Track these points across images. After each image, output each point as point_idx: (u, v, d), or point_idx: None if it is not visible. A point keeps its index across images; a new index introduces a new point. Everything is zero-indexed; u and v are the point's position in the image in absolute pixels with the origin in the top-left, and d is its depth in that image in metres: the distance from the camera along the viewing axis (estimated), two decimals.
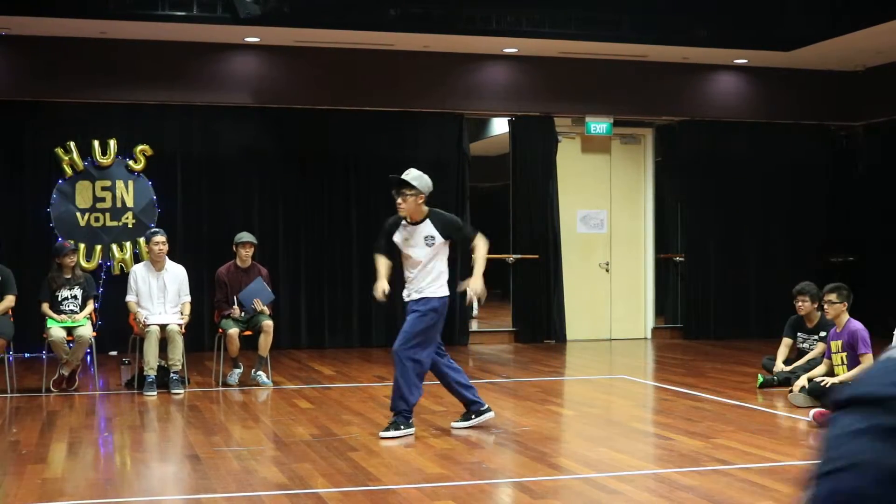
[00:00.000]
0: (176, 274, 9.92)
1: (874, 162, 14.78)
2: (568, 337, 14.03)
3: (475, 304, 7.67)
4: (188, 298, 9.96)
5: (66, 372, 9.45)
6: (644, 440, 7.45)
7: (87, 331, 9.44)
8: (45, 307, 9.56)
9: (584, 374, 11.31)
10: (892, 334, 8.32)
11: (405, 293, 7.41)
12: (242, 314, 9.97)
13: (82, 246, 12.16)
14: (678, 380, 10.31)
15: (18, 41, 12.31)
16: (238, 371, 9.99)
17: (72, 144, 12.37)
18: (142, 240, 12.44)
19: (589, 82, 14.13)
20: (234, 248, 10.21)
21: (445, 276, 7.39)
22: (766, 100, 14.79)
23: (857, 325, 8.56)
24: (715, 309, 14.61)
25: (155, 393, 9.29)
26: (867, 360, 8.40)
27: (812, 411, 7.76)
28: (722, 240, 14.67)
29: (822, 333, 9.52)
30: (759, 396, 9.22)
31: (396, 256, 7.56)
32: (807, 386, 8.56)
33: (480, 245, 7.31)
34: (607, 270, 14.69)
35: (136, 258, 12.25)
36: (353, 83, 13.32)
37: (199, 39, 12.62)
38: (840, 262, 14.89)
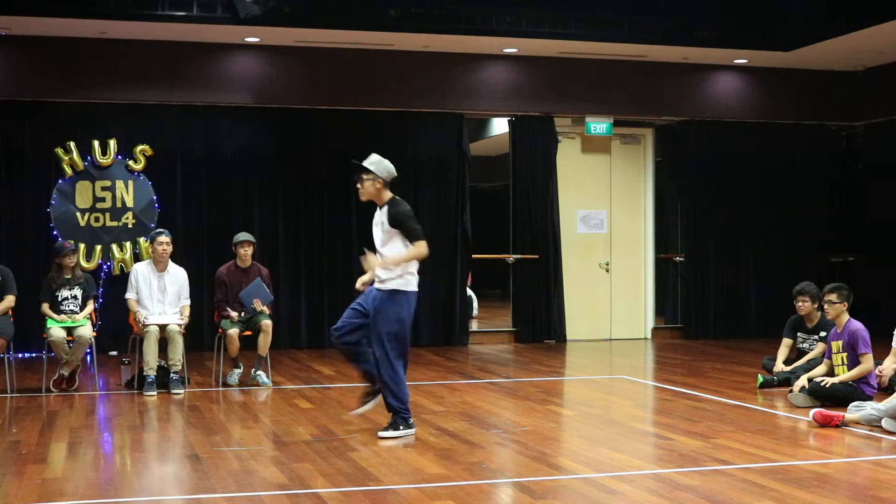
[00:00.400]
0: (177, 276, 9.91)
1: (874, 162, 14.78)
2: (568, 337, 14.04)
3: (367, 265, 7.39)
4: (188, 302, 9.94)
5: (66, 372, 9.45)
6: (644, 440, 7.45)
7: (87, 331, 9.44)
8: (46, 307, 9.56)
9: (584, 374, 11.30)
10: (893, 334, 8.33)
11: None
12: (243, 314, 9.97)
13: (82, 246, 12.18)
14: (678, 380, 10.31)
15: (18, 41, 12.31)
16: (238, 371, 9.99)
17: (72, 144, 12.37)
18: (142, 240, 12.46)
19: (589, 82, 14.13)
20: (234, 249, 10.22)
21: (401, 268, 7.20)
22: (766, 100, 14.79)
23: (858, 325, 8.56)
24: (715, 309, 14.62)
25: (155, 393, 9.30)
26: (867, 360, 8.40)
27: (812, 411, 7.76)
28: (722, 240, 14.68)
29: (823, 333, 9.52)
30: (759, 396, 9.22)
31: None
32: (807, 386, 8.56)
33: (413, 248, 7.12)
34: (607, 270, 14.69)
35: (136, 258, 12.26)
36: (353, 83, 13.31)
37: (199, 39, 12.63)
38: (840, 262, 14.90)
